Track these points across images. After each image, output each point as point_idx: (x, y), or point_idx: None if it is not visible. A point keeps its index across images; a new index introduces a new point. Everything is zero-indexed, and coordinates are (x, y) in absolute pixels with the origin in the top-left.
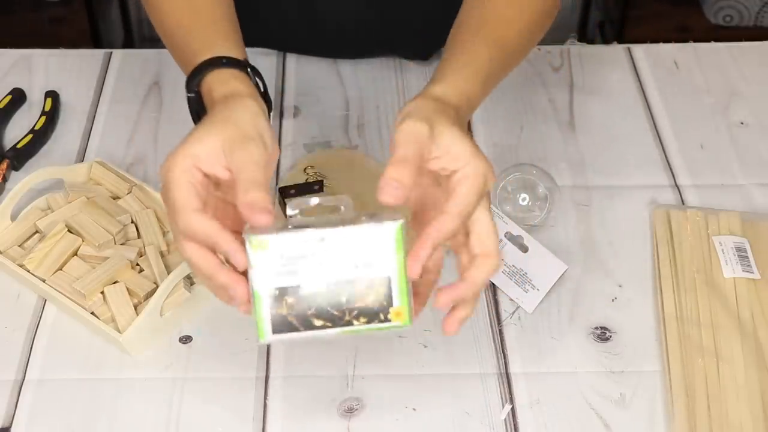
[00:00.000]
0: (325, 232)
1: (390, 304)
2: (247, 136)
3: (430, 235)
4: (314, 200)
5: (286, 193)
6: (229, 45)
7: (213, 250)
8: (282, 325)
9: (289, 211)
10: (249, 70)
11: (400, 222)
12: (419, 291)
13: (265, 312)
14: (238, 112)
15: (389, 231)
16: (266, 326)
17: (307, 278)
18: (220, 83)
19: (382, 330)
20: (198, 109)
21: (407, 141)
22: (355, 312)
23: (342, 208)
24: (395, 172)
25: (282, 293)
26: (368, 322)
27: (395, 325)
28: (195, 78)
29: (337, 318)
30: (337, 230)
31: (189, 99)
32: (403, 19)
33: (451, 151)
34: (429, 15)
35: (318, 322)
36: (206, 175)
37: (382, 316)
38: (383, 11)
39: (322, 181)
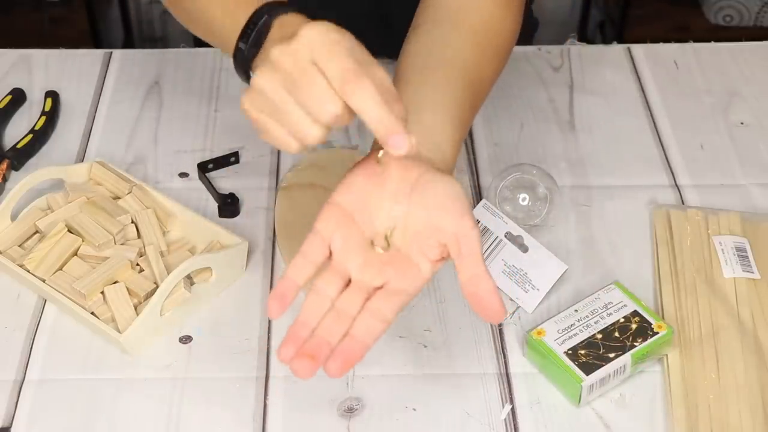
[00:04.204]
0: (578, 306)
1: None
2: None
3: None
4: None
5: (205, 168)
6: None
7: None
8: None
9: None
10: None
11: None
12: None
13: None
14: None
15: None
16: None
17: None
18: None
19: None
20: (246, 68)
21: None
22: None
23: None
24: None
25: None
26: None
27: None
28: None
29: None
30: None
31: (241, 53)
32: (405, 24)
33: None
34: None
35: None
36: None
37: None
38: (386, 16)
39: (237, 152)
